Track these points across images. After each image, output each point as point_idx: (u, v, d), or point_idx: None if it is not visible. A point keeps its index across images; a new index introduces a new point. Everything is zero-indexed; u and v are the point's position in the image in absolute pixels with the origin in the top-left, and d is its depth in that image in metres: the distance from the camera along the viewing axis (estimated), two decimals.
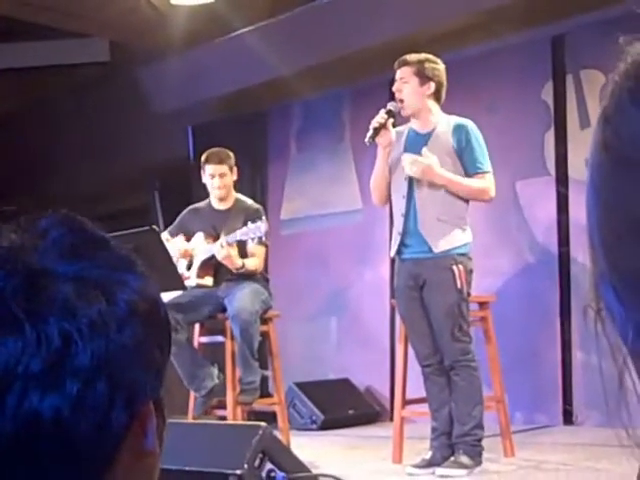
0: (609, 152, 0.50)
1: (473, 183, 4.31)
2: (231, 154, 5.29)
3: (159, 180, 8.15)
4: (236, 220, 5.10)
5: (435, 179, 4.26)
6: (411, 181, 4.35)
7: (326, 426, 6.20)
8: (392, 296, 6.63)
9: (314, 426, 6.24)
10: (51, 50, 7.68)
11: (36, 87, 8.09)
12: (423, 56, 4.41)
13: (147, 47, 7.14)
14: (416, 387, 4.85)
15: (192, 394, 5.18)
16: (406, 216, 4.36)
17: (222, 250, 4.94)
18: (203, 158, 5.27)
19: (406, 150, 4.38)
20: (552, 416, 5.82)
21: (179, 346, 4.91)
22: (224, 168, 5.19)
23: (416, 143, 4.37)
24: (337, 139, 7.29)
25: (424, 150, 4.30)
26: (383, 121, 4.36)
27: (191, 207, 5.43)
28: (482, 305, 4.73)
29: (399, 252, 4.42)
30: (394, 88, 4.40)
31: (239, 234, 4.87)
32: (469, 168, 4.32)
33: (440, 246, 4.26)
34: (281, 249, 7.22)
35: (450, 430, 4.33)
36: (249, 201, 5.37)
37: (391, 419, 5.28)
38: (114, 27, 6.95)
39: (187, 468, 3.33)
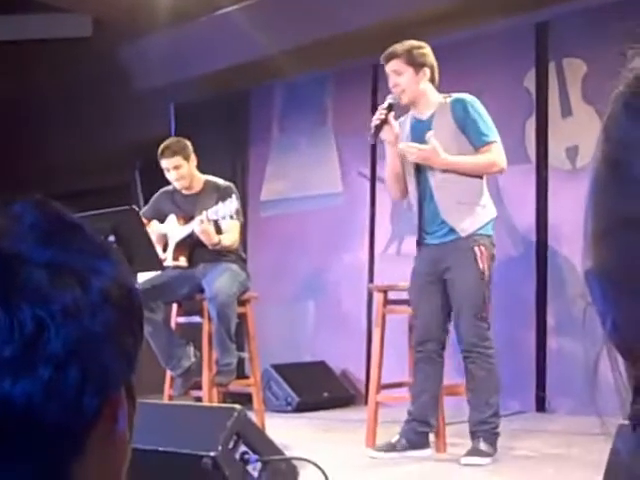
0: (604, 157, 0.53)
1: (478, 159, 4.26)
2: (186, 143, 5.29)
3: (140, 158, 8.11)
4: (209, 200, 5.11)
5: (436, 165, 4.24)
6: (422, 169, 4.32)
7: (301, 408, 6.22)
8: (370, 280, 6.68)
9: (289, 408, 6.27)
10: (32, 24, 7.61)
11: (17, 61, 8.02)
12: (408, 44, 4.36)
13: (130, 24, 7.08)
14: (392, 372, 4.88)
15: (168, 374, 5.19)
16: (422, 204, 4.33)
17: (201, 225, 4.95)
18: (158, 152, 5.27)
19: (412, 139, 4.36)
20: (525, 402, 5.87)
21: (155, 326, 4.92)
22: (178, 160, 5.19)
23: (420, 130, 4.34)
24: (319, 122, 7.28)
25: (428, 135, 4.28)
26: (384, 117, 4.32)
27: (164, 190, 5.42)
28: None
29: (421, 239, 4.39)
30: (390, 84, 4.36)
31: (210, 213, 4.88)
32: (474, 141, 4.27)
33: (465, 229, 4.23)
34: (260, 230, 7.23)
35: (423, 419, 4.35)
36: (219, 180, 5.35)
37: (366, 403, 5.32)
38: (97, 2, 6.89)
39: (161, 449, 3.33)
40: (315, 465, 3.54)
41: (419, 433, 4.36)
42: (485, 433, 4.22)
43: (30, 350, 0.60)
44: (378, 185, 6.86)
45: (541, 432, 5.06)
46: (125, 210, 4.78)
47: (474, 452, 4.20)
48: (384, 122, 4.33)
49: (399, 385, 4.90)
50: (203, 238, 5.00)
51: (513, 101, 6.20)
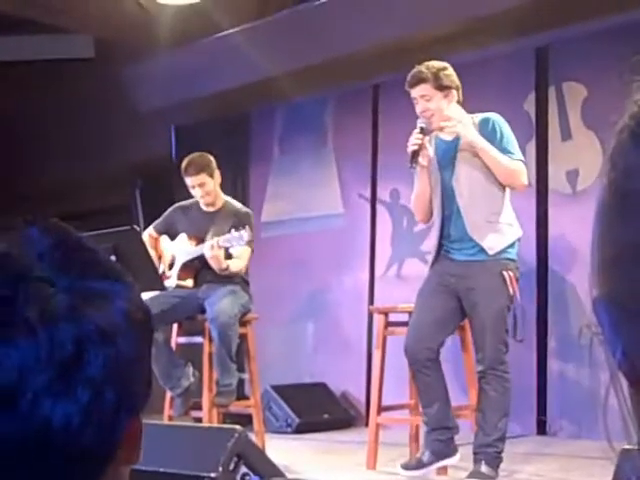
0: (610, 185, 0.54)
1: (509, 161, 4.22)
2: (210, 159, 5.23)
3: (141, 179, 8.13)
4: (224, 223, 5.09)
5: (473, 139, 4.20)
6: (449, 190, 4.29)
7: (301, 430, 6.20)
8: (371, 302, 6.67)
9: (289, 429, 6.24)
10: (35, 45, 7.64)
11: (19, 82, 8.05)
12: (433, 67, 4.30)
13: (132, 45, 7.12)
14: (392, 394, 4.87)
15: (167, 394, 5.18)
16: (448, 222, 4.28)
17: (212, 250, 4.94)
18: (182, 168, 5.23)
19: (439, 161, 4.33)
20: (526, 426, 5.85)
21: (157, 346, 4.90)
22: (202, 177, 5.15)
23: (446, 151, 4.32)
24: (320, 143, 7.30)
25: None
26: (420, 141, 4.25)
27: (179, 205, 5.39)
28: None
29: (445, 253, 4.31)
30: (419, 110, 4.28)
31: (222, 240, 4.86)
32: None
33: (492, 247, 4.20)
34: (261, 251, 7.20)
35: (442, 426, 4.27)
36: (238, 205, 5.35)
37: (366, 424, 5.30)
38: (99, 24, 6.93)
39: (162, 469, 3.32)
40: None
41: (443, 441, 4.28)
42: (488, 456, 4.17)
43: (70, 372, 0.61)
44: (378, 207, 6.87)
45: (542, 456, 5.04)
46: (126, 230, 4.78)
47: (475, 475, 4.16)
48: (421, 147, 4.27)
49: (400, 407, 4.89)
50: (212, 263, 4.98)
51: (513, 125, 6.14)
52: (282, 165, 7.49)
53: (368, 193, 6.96)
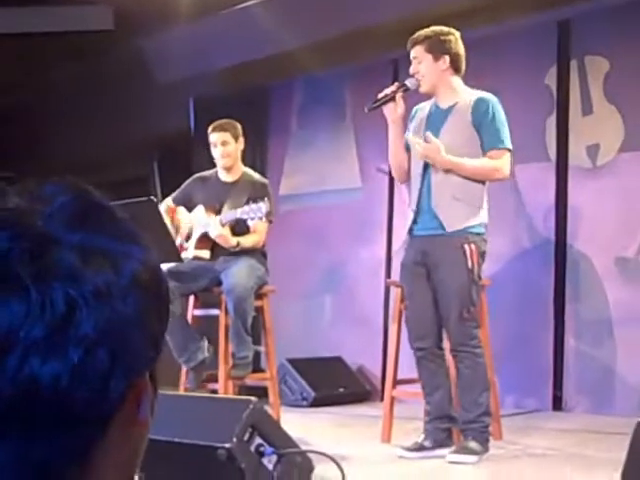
0: None
1: (483, 163, 4.18)
2: (237, 125, 5.28)
3: (159, 151, 8.13)
4: (241, 194, 5.08)
5: (438, 164, 4.17)
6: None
7: (316, 403, 6.21)
8: (388, 275, 6.66)
9: (304, 403, 6.26)
10: (54, 17, 7.63)
11: (38, 54, 8.04)
12: (431, 31, 4.28)
13: (152, 17, 7.09)
14: (408, 367, 4.87)
15: (184, 367, 5.19)
16: (420, 194, 4.25)
17: (216, 229, 4.93)
18: (209, 129, 5.27)
19: (427, 125, 4.29)
20: (542, 401, 5.85)
21: (172, 318, 4.90)
22: (226, 136, 5.19)
23: (437, 118, 4.28)
24: (339, 117, 7.27)
25: (427, 134, 4.25)
26: (390, 93, 4.26)
27: (198, 175, 5.41)
28: None
29: (410, 229, 4.32)
30: (411, 70, 4.30)
31: (239, 212, 4.84)
32: (487, 143, 4.20)
33: (453, 225, 4.16)
34: (278, 225, 7.19)
35: (444, 415, 4.30)
36: (256, 175, 5.34)
37: (381, 399, 5.31)
38: None
39: (176, 440, 3.33)
40: (331, 459, 3.53)
41: (444, 430, 4.32)
42: (474, 432, 4.16)
43: (61, 331, 0.60)
44: (397, 181, 6.85)
45: (558, 431, 5.03)
46: (144, 201, 4.78)
47: (462, 450, 4.14)
48: (391, 98, 4.27)
49: (415, 381, 4.89)
50: (219, 242, 4.99)
51: (534, 99, 6.17)
52: (300, 139, 7.47)
53: (386, 167, 6.92)
